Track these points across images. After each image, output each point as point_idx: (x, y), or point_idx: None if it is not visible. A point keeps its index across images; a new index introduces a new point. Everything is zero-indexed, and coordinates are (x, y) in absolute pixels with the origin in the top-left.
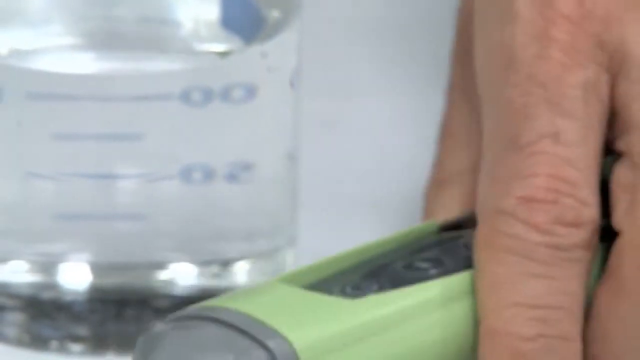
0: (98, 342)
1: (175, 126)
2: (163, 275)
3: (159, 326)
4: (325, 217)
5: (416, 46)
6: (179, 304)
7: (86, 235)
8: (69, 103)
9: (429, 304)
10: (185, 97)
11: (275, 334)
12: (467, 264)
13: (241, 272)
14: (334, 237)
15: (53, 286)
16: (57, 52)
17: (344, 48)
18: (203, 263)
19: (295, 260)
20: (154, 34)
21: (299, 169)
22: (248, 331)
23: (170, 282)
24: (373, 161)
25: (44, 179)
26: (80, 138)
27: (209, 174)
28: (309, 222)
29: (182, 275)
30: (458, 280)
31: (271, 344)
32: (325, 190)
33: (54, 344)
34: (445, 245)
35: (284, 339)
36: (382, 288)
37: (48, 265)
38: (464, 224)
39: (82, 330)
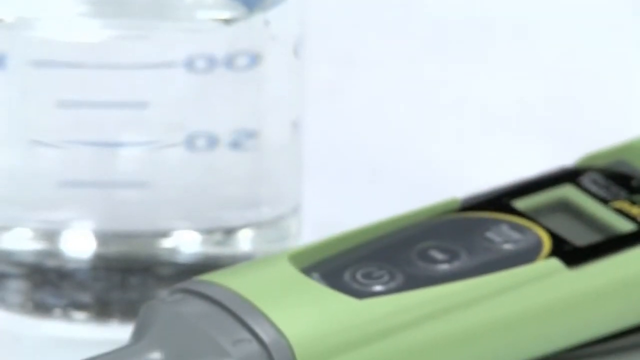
0: (101, 310)
1: (179, 94)
2: (167, 243)
3: (155, 300)
4: (330, 185)
5: (420, 14)
6: (183, 272)
7: (90, 203)
8: (74, 71)
9: (436, 311)
10: (189, 64)
11: (271, 325)
12: (483, 262)
13: (245, 240)
14: (338, 205)
15: (56, 254)
16: (62, 19)
17: (348, 16)
18: (207, 231)
19: (299, 228)
20: (158, 2)
21: (303, 137)
22: (239, 314)
23: (174, 250)
24: (378, 129)
25: (48, 147)
26: (84, 106)
27: (213, 142)
28: (314, 190)
29: (185, 243)
30: (471, 286)
31: (263, 334)
32: (330, 158)
33: (58, 311)
34: (464, 234)
35: (281, 333)
36: (392, 278)
37: (52, 233)
38: (487, 205)
39: (86, 298)
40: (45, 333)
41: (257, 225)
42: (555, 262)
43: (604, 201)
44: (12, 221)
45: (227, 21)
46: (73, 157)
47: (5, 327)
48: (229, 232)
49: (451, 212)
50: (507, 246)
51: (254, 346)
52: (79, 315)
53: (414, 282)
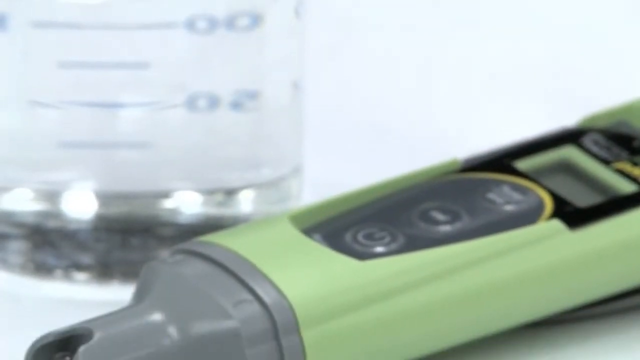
0: (102, 271)
1: (180, 54)
2: (168, 203)
3: (156, 261)
4: (331, 146)
5: None
6: (184, 233)
7: (91, 163)
8: (74, 31)
9: (438, 273)
10: (190, 25)
11: (272, 286)
12: (484, 223)
13: (246, 201)
14: (339, 165)
15: (57, 215)
16: None
17: None
18: (208, 191)
19: (300, 189)
20: None
21: (305, 98)
22: (240, 275)
23: (175, 211)
24: (379, 90)
25: (49, 108)
26: (85, 66)
27: (214, 103)
28: (315, 150)
29: (186, 203)
30: (472, 248)
31: (264, 295)
32: (332, 118)
33: (59, 272)
34: (465, 195)
35: (282, 294)
36: (394, 239)
37: (52, 194)
38: (489, 166)
39: (87, 259)
40: (46, 294)
41: (258, 186)
42: (557, 224)
43: (606, 162)
44: (13, 182)
45: None
46: (74, 118)
47: (6, 288)
48: (230, 192)
49: (452, 172)
50: (509, 207)
51: (255, 307)
52: (80, 276)
53: (415, 243)
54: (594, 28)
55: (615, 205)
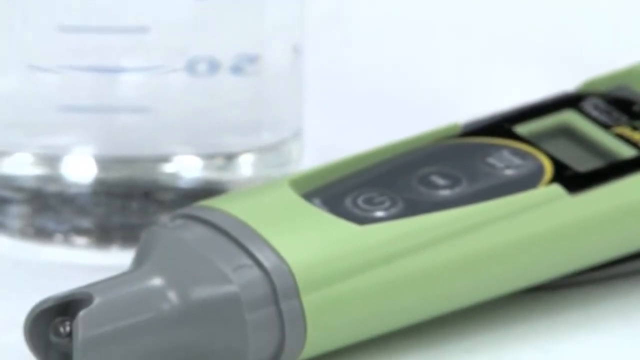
0: (102, 235)
1: (180, 18)
2: (168, 168)
3: (156, 225)
4: (331, 110)
5: None
6: (184, 197)
7: (91, 128)
8: None
9: (437, 237)
10: None
11: (272, 251)
12: (484, 188)
13: (246, 165)
14: (340, 129)
15: (57, 179)
16: None
17: None
18: (208, 156)
19: (300, 153)
20: None
21: (305, 62)
22: (240, 240)
23: (175, 175)
24: (379, 54)
25: (49, 72)
26: (85, 30)
27: (214, 67)
28: (315, 114)
29: (186, 168)
30: (472, 212)
31: (264, 260)
32: (331, 82)
33: (58, 236)
34: (465, 159)
35: (282, 259)
36: (394, 204)
37: (52, 158)
38: (489, 130)
39: (86, 223)
40: (45, 258)
41: (258, 150)
42: (557, 188)
43: (606, 127)
44: (13, 146)
45: None
46: (74, 83)
47: (6, 252)
48: (230, 157)
49: (452, 137)
50: (509, 172)
51: (255, 272)
52: (80, 240)
53: (415, 208)
54: None
55: (615, 169)
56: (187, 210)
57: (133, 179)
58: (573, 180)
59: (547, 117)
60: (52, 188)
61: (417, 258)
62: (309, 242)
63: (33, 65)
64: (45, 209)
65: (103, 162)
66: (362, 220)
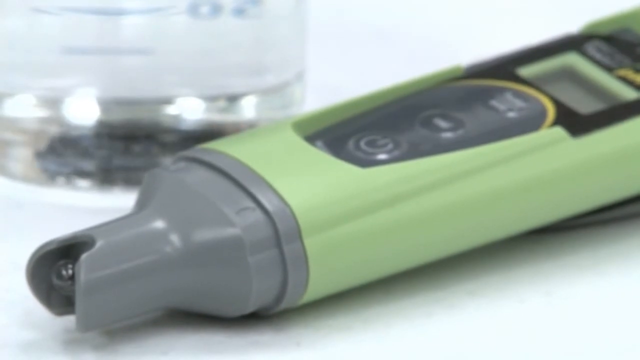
0: (105, 177)
1: None
2: (170, 110)
3: (158, 168)
4: (334, 52)
5: None
6: (186, 139)
7: (93, 70)
8: None
9: (440, 180)
10: None
11: (274, 194)
12: (487, 130)
13: (248, 107)
14: (342, 71)
15: (60, 121)
16: None
17: None
18: (210, 98)
19: (303, 95)
20: None
21: (307, 4)
22: (242, 183)
23: (177, 117)
24: None
25: (51, 14)
26: None
27: (217, 9)
28: (318, 56)
29: (189, 109)
30: (475, 155)
31: (267, 202)
32: (334, 24)
33: (61, 179)
34: (468, 102)
35: (284, 201)
36: (396, 146)
37: (55, 100)
38: (491, 73)
39: (89, 166)
40: (48, 201)
41: (260, 92)
42: (559, 131)
43: (609, 69)
44: (15, 88)
45: None
46: (76, 25)
47: (9, 194)
48: (233, 99)
49: (455, 79)
50: (511, 114)
51: (258, 214)
52: (82, 182)
53: (417, 150)
54: None
55: (618, 112)
56: (190, 152)
57: (135, 121)
58: (575, 123)
59: (550, 59)
60: (54, 130)
61: (419, 201)
62: (311, 184)
63: (36, 7)
64: (48, 151)
65: (105, 104)
66: (364, 162)
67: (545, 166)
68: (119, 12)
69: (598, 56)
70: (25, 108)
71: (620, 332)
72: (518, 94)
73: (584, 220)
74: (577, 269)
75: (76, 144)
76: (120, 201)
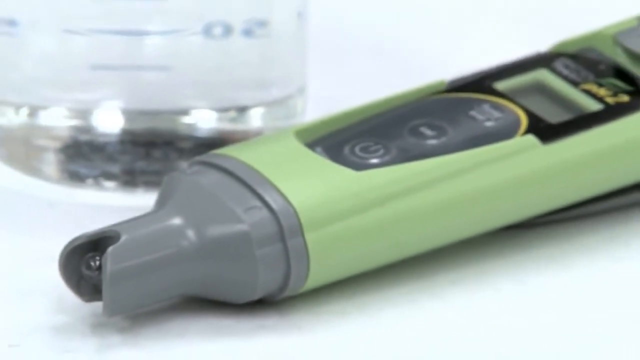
0: (129, 179)
1: None
2: (186, 119)
3: (176, 171)
4: (332, 68)
5: None
6: (201, 146)
7: (119, 84)
8: None
9: (426, 182)
10: None
11: (279, 194)
12: (467, 138)
13: (256, 117)
14: (339, 85)
15: (89, 130)
16: None
17: None
18: (222, 109)
19: (304, 107)
20: None
21: (308, 26)
22: (250, 184)
23: (192, 126)
24: (375, 17)
25: (82, 35)
26: None
27: (228, 30)
28: (317, 72)
29: (203, 119)
30: (456, 160)
31: (272, 202)
32: (332, 44)
33: (90, 181)
34: (451, 112)
35: (288, 201)
36: (387, 152)
37: (84, 112)
38: (471, 86)
39: (115, 169)
40: (78, 200)
41: (267, 104)
42: (531, 138)
43: (575, 83)
44: (50, 101)
45: None
46: (104, 44)
47: (44, 195)
48: (242, 110)
49: (439, 92)
50: (489, 123)
51: (264, 213)
52: (109, 184)
53: (406, 155)
54: None
55: (583, 121)
56: (204, 157)
57: (156, 129)
58: (545, 131)
59: (523, 75)
60: (84, 137)
61: (407, 200)
62: (311, 186)
63: (67, 29)
64: (78, 156)
65: (129, 115)
66: (359, 166)
67: (519, 170)
68: (141, 33)
69: (565, 72)
70: (58, 118)
71: (586, 317)
72: (495, 106)
73: (553, 217)
74: (548, 261)
75: (103, 150)
76: (142, 201)
